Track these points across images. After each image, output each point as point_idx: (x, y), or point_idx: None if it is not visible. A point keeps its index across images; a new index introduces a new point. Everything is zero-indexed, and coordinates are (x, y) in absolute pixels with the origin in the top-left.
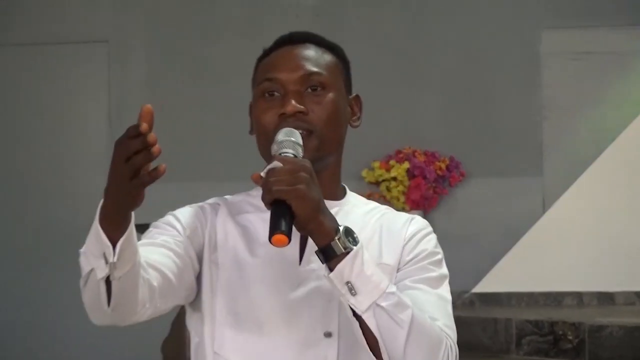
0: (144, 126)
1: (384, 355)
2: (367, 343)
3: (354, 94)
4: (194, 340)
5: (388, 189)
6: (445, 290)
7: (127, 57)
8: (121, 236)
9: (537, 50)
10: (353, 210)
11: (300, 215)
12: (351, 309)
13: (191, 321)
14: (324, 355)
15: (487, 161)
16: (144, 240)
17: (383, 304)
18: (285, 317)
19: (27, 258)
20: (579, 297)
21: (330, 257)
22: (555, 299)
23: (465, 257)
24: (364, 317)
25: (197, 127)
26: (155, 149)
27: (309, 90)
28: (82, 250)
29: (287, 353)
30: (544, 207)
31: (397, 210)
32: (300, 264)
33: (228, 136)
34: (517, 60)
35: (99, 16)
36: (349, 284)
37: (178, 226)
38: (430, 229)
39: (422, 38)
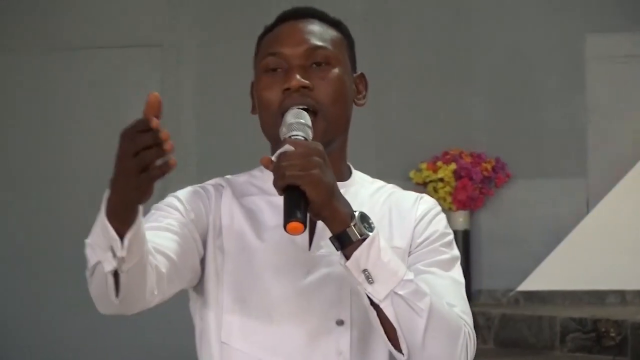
0: (155, 122)
1: (403, 345)
2: (385, 332)
3: (359, 72)
4: (198, 327)
5: (435, 190)
6: (457, 273)
7: (180, 60)
8: (129, 229)
9: (581, 53)
10: (360, 191)
11: (315, 202)
12: (368, 297)
13: (195, 307)
14: (336, 344)
15: (533, 162)
16: (147, 224)
17: (401, 292)
18: (296, 304)
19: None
20: (621, 296)
21: (345, 244)
22: (598, 297)
23: (510, 256)
24: (381, 306)
25: (246, 129)
26: (168, 145)
27: (314, 65)
28: (87, 241)
29: (298, 342)
30: (588, 208)
31: (444, 210)
32: (310, 249)
33: None
34: (561, 63)
35: (154, 21)
36: (366, 272)
37: (181, 208)
38: (439, 208)
39: (469, 41)
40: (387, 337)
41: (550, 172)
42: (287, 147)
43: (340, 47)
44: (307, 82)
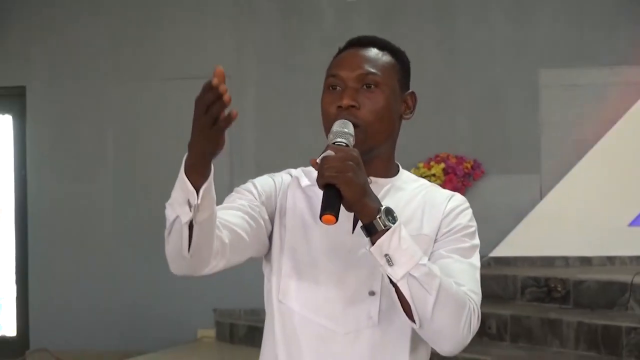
0: (215, 80)
1: (415, 317)
2: (402, 305)
3: (410, 91)
4: (266, 287)
5: None
6: (475, 259)
7: (243, 90)
8: (203, 183)
9: (537, 83)
10: (403, 186)
11: (347, 198)
12: (388, 277)
13: (265, 270)
14: (367, 310)
15: (501, 163)
16: (223, 204)
17: (415, 274)
18: (338, 276)
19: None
20: (566, 260)
21: (372, 232)
22: (548, 261)
23: (484, 231)
24: (398, 284)
25: (292, 139)
26: (226, 97)
27: (364, 87)
28: (167, 202)
29: (337, 306)
30: (541, 196)
31: None
32: (353, 232)
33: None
34: (522, 90)
35: (225, 57)
36: (387, 256)
37: (255, 192)
38: (466, 204)
39: (454, 73)
40: (403, 309)
41: (513, 170)
42: (329, 152)
43: (391, 72)
44: (354, 102)
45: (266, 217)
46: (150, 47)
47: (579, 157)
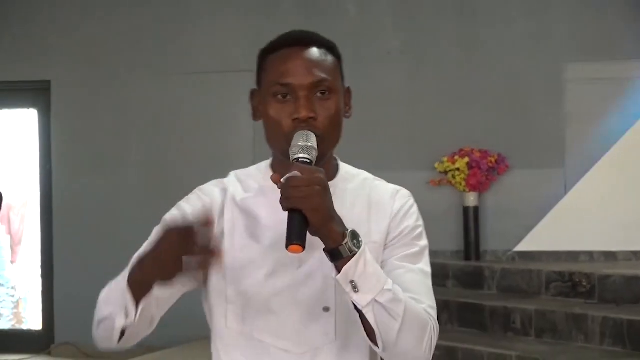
0: (219, 251)
1: (379, 342)
2: (365, 331)
3: (346, 87)
4: (208, 314)
5: (453, 177)
6: (425, 263)
7: None
8: (144, 297)
9: (562, 77)
10: (345, 186)
11: (313, 224)
12: (353, 303)
13: (205, 297)
14: (323, 328)
15: (525, 157)
16: (149, 244)
17: (381, 300)
18: (290, 295)
19: None
20: (590, 255)
21: (337, 258)
22: (573, 256)
23: (508, 226)
24: (364, 311)
25: None
26: (220, 258)
27: (318, 94)
28: (103, 295)
29: (292, 327)
30: (565, 190)
31: (459, 192)
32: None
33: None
34: (547, 84)
35: (244, 52)
36: (353, 283)
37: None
38: (412, 201)
39: (478, 69)
40: (367, 334)
41: (538, 164)
42: (295, 173)
43: (336, 72)
44: (313, 113)
45: None
46: (174, 41)
47: (604, 151)
